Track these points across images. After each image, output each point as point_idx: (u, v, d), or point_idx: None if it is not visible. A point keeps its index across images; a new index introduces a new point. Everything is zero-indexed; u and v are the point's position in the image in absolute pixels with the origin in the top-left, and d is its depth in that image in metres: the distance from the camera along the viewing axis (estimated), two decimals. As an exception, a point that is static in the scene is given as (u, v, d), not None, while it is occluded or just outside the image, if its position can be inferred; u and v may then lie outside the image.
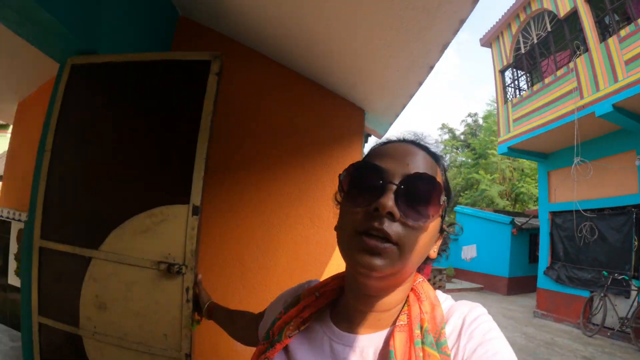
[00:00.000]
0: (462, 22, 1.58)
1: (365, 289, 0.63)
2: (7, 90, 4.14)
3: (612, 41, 7.23)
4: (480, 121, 28.11)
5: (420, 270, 0.71)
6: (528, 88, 10.13)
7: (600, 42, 7.58)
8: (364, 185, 0.60)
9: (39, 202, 1.82)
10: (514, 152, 10.23)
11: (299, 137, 2.65)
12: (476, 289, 14.38)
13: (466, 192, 24.17)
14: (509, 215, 15.01)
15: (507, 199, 21.76)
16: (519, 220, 13.79)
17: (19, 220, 3.76)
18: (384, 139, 0.73)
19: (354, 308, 0.67)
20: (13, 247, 3.85)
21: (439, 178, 0.64)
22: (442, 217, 0.66)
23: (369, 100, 2.59)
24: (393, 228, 0.56)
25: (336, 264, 2.66)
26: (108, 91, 1.89)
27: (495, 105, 12.22)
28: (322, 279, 0.77)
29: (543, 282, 9.81)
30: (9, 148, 4.67)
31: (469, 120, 29.58)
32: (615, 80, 6.98)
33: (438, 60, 1.90)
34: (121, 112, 1.86)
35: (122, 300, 1.67)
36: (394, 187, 0.57)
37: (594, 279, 8.21)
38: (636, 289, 7.19)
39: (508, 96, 10.84)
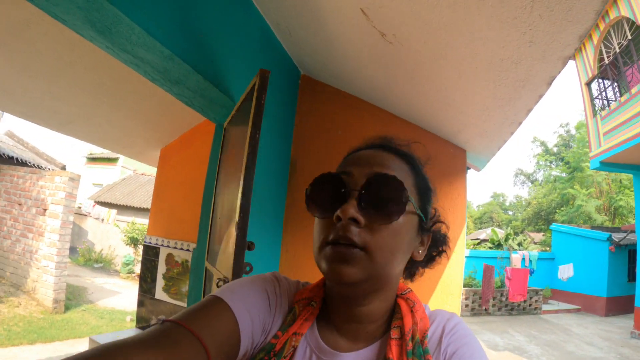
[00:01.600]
0: (540, 97, 2.18)
1: (344, 297, 0.63)
2: (154, 139, 4.79)
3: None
4: (573, 131, 26.62)
5: (411, 276, 0.73)
6: (616, 99, 9.86)
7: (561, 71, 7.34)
8: (328, 195, 0.60)
9: (207, 233, 2.41)
10: (607, 166, 9.93)
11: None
12: (573, 310, 13.67)
13: (562, 208, 23.05)
14: (607, 231, 14.14)
15: (605, 214, 20.37)
16: (616, 237, 13.01)
17: (167, 246, 4.55)
18: (353, 148, 0.73)
19: (338, 321, 0.66)
20: (162, 268, 4.68)
21: (407, 178, 0.63)
22: (422, 216, 0.64)
23: (470, 142, 3.18)
24: (359, 234, 0.56)
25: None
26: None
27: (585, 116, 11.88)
28: None
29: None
30: (155, 186, 5.17)
31: (561, 131, 28.08)
32: None
33: (525, 118, 2.49)
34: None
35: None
36: (357, 192, 0.58)
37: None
38: None
39: (596, 109, 10.57)
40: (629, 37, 9.17)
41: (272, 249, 2.94)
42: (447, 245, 0.74)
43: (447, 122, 2.99)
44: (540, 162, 28.93)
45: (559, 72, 1.95)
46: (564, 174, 24.99)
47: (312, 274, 3.08)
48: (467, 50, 1.95)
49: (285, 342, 0.62)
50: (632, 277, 12.74)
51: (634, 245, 11.71)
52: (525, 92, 2.18)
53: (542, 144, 29.26)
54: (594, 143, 10.21)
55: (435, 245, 0.71)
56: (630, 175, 17.07)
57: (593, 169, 10.91)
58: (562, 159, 26.18)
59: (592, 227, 15.66)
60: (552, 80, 2.05)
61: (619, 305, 12.87)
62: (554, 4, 1.43)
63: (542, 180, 29.38)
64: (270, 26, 2.63)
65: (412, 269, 0.72)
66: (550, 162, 28.43)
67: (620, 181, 20.45)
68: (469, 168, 3.87)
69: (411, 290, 0.69)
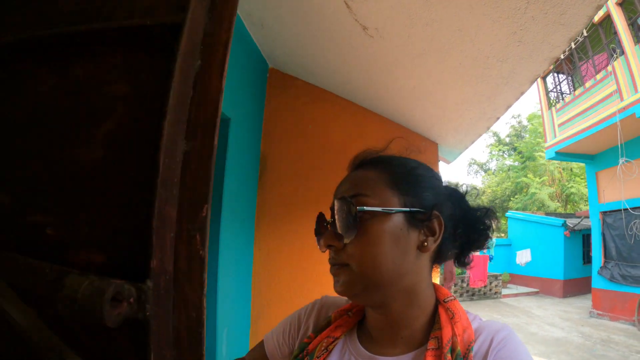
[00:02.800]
0: (522, 94, 2.19)
1: (367, 307, 0.72)
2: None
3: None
4: (525, 122, 27.71)
5: (462, 264, 0.75)
6: (570, 92, 10.33)
7: (635, 45, 7.83)
8: (318, 231, 0.70)
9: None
10: (562, 156, 10.46)
11: (386, 168, 3.27)
12: (532, 293, 14.35)
13: (516, 196, 23.88)
14: (561, 217, 14.90)
15: (558, 201, 21.36)
16: (571, 222, 13.73)
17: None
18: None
19: (374, 327, 0.71)
20: None
21: (373, 179, 0.67)
22: (412, 211, 0.64)
23: (443, 136, 3.18)
24: (340, 254, 0.64)
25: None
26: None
27: (539, 107, 12.39)
28: None
29: (597, 282, 9.94)
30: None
31: (513, 122, 29.17)
32: None
33: (503, 114, 2.50)
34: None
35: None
36: (329, 224, 0.67)
37: (649, 276, 8.29)
38: (691, 282, 7.24)
39: (551, 101, 11.03)
40: (585, 34, 9.59)
41: (244, 249, 2.82)
42: (494, 217, 0.73)
43: (422, 117, 2.97)
44: (494, 152, 29.77)
45: (544, 71, 1.97)
46: (517, 163, 25.80)
47: (288, 273, 3.01)
48: (453, 46, 1.92)
49: (318, 344, 0.71)
50: (586, 260, 13.58)
51: (588, 230, 12.39)
52: (506, 89, 2.19)
53: (495, 134, 30.17)
54: (550, 134, 10.67)
55: (442, 230, 0.66)
56: (582, 164, 18.20)
57: (548, 159, 11.43)
58: (514, 149, 27.20)
59: (547, 214, 16.42)
60: (536, 79, 2.06)
61: (575, 287, 13.58)
62: (549, 7, 1.43)
63: (495, 170, 30.33)
64: (240, 15, 2.50)
65: (460, 258, 0.74)
66: (503, 152, 29.31)
67: (571, 169, 21.51)
68: (439, 161, 3.90)
69: (454, 299, 0.69)
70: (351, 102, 3.23)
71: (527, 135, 25.73)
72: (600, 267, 9.84)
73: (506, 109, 2.41)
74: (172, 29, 0.48)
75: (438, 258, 0.70)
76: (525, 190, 22.83)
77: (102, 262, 0.47)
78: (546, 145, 10.92)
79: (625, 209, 8.49)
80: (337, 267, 0.64)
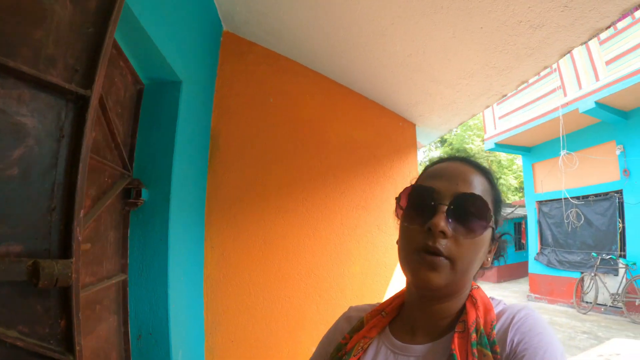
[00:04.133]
0: (545, 68, 1.86)
1: (425, 299, 0.70)
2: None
3: (592, 43, 7.76)
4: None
5: (475, 278, 0.76)
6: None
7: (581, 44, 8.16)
8: (418, 206, 0.67)
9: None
10: (500, 147, 10.84)
11: (361, 151, 2.83)
12: (467, 279, 15.02)
13: (447, 188, 24.81)
14: (492, 206, 15.77)
15: (488, 192, 22.49)
16: (503, 211, 14.46)
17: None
18: (436, 157, 0.79)
19: (414, 319, 0.72)
20: None
21: (487, 192, 0.69)
22: (494, 228, 0.70)
23: (425, 117, 2.81)
24: (446, 244, 0.62)
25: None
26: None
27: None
28: (388, 284, 0.86)
29: (534, 267, 10.40)
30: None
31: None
32: (597, 79, 7.55)
33: (512, 91, 2.16)
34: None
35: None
36: (445, 207, 0.64)
37: (583, 261, 8.82)
38: (624, 266, 7.77)
39: (491, 95, 11.38)
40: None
41: (193, 247, 2.23)
42: (505, 251, 0.77)
43: (407, 93, 2.57)
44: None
45: (581, 44, 1.65)
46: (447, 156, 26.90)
47: (247, 275, 2.43)
48: (480, 4, 1.56)
49: (355, 344, 0.73)
50: (518, 246, 14.70)
51: (520, 218, 13.12)
52: (529, 62, 1.88)
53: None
54: (490, 126, 10.98)
55: (499, 251, 0.75)
56: (509, 156, 19.35)
57: (487, 150, 11.82)
58: (444, 141, 28.31)
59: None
60: (568, 52, 1.74)
61: (509, 272, 14.40)
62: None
63: (422, 161, 31.44)
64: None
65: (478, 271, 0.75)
66: (431, 144, 30.54)
67: (500, 162, 22.75)
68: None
69: (477, 287, 0.72)
70: (323, 76, 2.76)
71: (458, 128, 26.84)
72: (537, 254, 10.30)
73: (518, 85, 2.07)
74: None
75: None
76: (456, 182, 23.75)
77: (19, 251, 0.71)
78: (486, 137, 11.22)
79: (565, 198, 8.87)
80: (437, 257, 0.62)
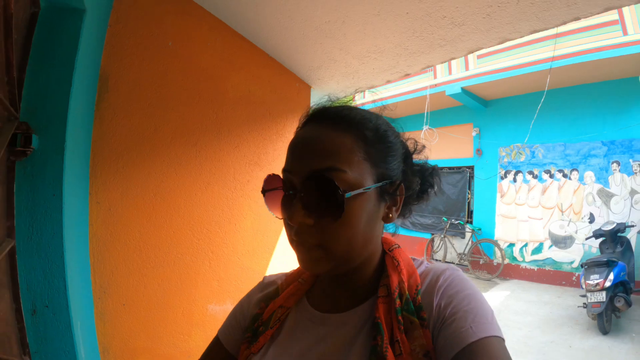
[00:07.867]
0: (451, 59, 2.10)
1: (324, 277, 0.69)
2: None
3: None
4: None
5: (402, 216, 0.74)
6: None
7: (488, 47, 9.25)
8: (278, 197, 0.63)
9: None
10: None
11: (257, 107, 2.81)
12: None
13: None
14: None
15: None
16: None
17: None
18: (302, 118, 0.70)
19: (331, 288, 0.69)
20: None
21: (353, 149, 0.59)
22: (384, 184, 0.62)
23: (324, 82, 2.90)
24: (313, 234, 0.57)
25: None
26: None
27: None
28: (278, 239, 0.82)
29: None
30: None
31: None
32: (467, 69, 8.65)
33: (416, 71, 2.39)
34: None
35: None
36: (298, 195, 0.58)
37: (434, 224, 10.21)
38: (470, 231, 9.27)
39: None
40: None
41: (76, 201, 2.01)
42: (437, 176, 0.75)
43: (312, 57, 2.61)
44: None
45: (489, 47, 1.92)
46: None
47: (138, 232, 2.31)
48: None
49: (272, 314, 0.70)
50: None
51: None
52: (440, 51, 2.18)
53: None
54: (358, 95, 11.73)
55: (421, 183, 0.71)
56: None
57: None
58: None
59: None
60: (476, 50, 2.03)
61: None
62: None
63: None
64: None
65: (404, 212, 0.73)
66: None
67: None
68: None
69: (398, 247, 0.70)
70: (227, 25, 2.64)
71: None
72: (392, 216, 11.63)
73: (423, 68, 2.30)
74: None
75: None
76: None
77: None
78: (357, 103, 11.97)
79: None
80: (308, 249, 0.59)
